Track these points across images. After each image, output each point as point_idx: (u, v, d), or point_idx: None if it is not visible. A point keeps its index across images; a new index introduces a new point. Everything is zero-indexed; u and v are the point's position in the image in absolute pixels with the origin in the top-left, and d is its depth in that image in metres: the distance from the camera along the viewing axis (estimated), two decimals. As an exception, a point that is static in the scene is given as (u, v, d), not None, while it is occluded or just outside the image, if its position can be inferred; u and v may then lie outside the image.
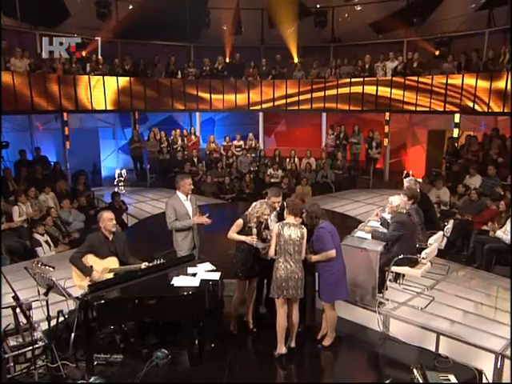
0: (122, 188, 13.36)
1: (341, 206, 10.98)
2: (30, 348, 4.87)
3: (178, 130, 14.10)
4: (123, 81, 12.98)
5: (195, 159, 13.32)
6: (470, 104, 11.38)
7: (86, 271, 5.17)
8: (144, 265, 5.30)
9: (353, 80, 13.37)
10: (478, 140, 11.49)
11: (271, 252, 4.90)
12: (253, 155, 13.92)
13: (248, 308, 5.57)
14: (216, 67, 14.15)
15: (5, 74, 10.87)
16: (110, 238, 5.37)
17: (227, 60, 14.54)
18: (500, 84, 10.71)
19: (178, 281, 4.76)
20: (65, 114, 12.36)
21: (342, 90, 13.55)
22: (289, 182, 12.42)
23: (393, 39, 13.86)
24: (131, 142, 13.52)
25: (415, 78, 12.36)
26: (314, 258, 5.01)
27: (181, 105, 13.85)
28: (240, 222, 5.25)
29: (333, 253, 4.91)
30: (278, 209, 5.48)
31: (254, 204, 5.29)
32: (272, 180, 12.77)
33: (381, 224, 6.42)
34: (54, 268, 5.00)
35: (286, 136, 16.20)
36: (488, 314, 5.64)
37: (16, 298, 4.99)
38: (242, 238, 5.19)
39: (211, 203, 11.49)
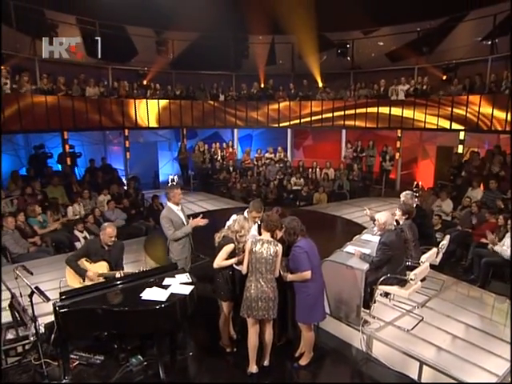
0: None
1: (352, 213, 9.39)
2: (21, 343, 4.05)
3: (218, 143, 13.12)
4: (174, 103, 12.20)
5: (231, 168, 12.27)
6: (474, 123, 9.50)
7: (81, 272, 4.27)
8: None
9: (369, 101, 11.77)
10: (481, 156, 9.53)
11: (244, 269, 3.65)
12: (281, 165, 12.65)
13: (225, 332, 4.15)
14: (252, 91, 13.05)
15: (80, 99, 10.50)
16: (107, 248, 4.43)
17: (262, 85, 13.36)
18: (501, 104, 8.87)
19: (148, 293, 3.66)
20: (126, 131, 11.74)
21: (359, 110, 11.99)
22: (308, 189, 11.03)
23: (405, 66, 12.01)
24: (179, 153, 12.73)
25: (424, 100, 10.61)
26: (290, 277, 3.70)
27: (221, 122, 12.88)
28: (231, 247, 3.80)
29: (307, 274, 3.58)
30: (258, 222, 4.19)
31: (234, 218, 4.03)
32: (294, 187, 11.42)
33: (371, 219, 5.20)
34: (32, 274, 4.09)
35: (312, 149, 14.69)
36: (479, 342, 4.02)
37: (12, 295, 4.18)
38: (232, 261, 3.80)
39: (238, 207, 10.31)
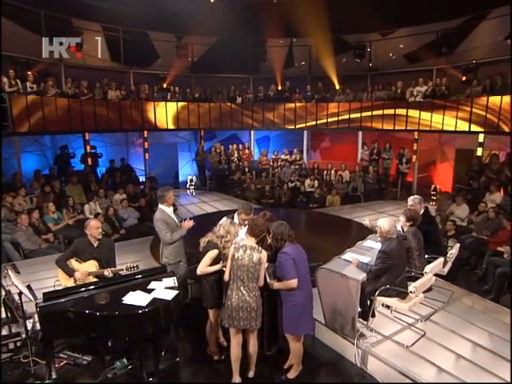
0: (193, 191, 12.47)
1: (363, 216, 8.83)
2: (13, 340, 3.95)
3: (235, 145, 12.88)
4: (193, 105, 12.06)
5: (246, 169, 11.98)
6: (495, 124, 8.69)
7: (69, 272, 4.11)
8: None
9: (386, 103, 11.15)
10: (501, 159, 8.71)
11: (225, 276, 3.35)
12: (296, 167, 12.25)
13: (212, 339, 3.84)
14: (269, 93, 12.73)
15: (101, 102, 10.54)
16: (95, 245, 4.25)
17: (279, 88, 13.01)
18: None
19: (130, 297, 3.44)
20: (145, 132, 11.74)
21: (376, 112, 11.38)
22: (321, 191, 10.57)
23: (424, 67, 11.28)
24: (197, 154, 12.58)
25: (443, 101, 9.86)
26: (276, 285, 3.37)
27: (238, 124, 12.63)
28: (215, 253, 3.50)
29: (292, 283, 3.24)
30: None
31: (221, 222, 3.75)
32: (308, 189, 10.99)
33: (371, 228, 4.73)
34: (19, 273, 3.97)
35: (328, 151, 14.18)
36: (485, 363, 3.50)
37: (6, 292, 4.10)
38: (216, 267, 3.51)
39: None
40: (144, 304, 3.31)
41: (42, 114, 9.09)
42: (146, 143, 11.79)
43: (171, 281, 3.74)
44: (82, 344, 4.03)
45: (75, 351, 3.94)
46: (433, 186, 10.64)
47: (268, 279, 3.41)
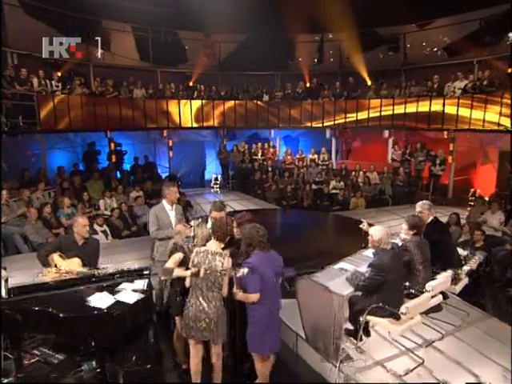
0: (217, 189, 12.39)
1: (386, 222, 8.16)
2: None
3: (260, 144, 12.56)
4: (218, 104, 11.88)
5: (270, 168, 11.62)
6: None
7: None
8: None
9: (420, 99, 10.22)
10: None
11: (186, 282, 3.08)
12: (323, 167, 11.69)
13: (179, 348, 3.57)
14: (297, 91, 12.27)
15: (126, 100, 10.71)
16: (80, 243, 4.17)
17: (307, 85, 12.51)
18: None
19: (95, 299, 3.29)
20: (164, 132, 11.81)
21: (409, 109, 10.50)
22: (344, 193, 9.95)
23: (464, 60, 10.22)
24: (219, 153, 12.43)
25: (484, 97, 8.83)
26: (239, 296, 3.02)
27: (264, 123, 12.25)
28: (178, 256, 3.21)
29: (252, 297, 2.88)
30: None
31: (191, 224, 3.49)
32: (332, 191, 10.41)
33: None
34: None
35: (359, 151, 13.37)
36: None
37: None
38: (185, 273, 3.09)
39: (266, 208, 9.64)
40: (102, 307, 3.14)
41: (67, 112, 9.41)
42: (170, 141, 11.87)
43: (141, 283, 3.55)
44: (59, 342, 3.97)
45: (50, 349, 3.88)
46: (472, 190, 9.60)
47: (234, 288, 3.08)
